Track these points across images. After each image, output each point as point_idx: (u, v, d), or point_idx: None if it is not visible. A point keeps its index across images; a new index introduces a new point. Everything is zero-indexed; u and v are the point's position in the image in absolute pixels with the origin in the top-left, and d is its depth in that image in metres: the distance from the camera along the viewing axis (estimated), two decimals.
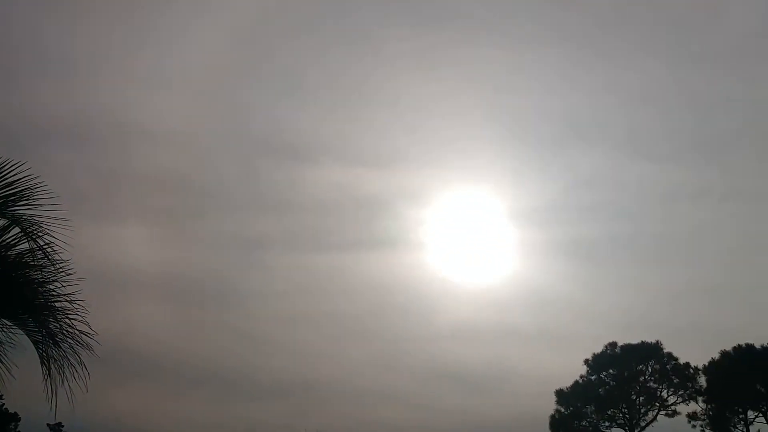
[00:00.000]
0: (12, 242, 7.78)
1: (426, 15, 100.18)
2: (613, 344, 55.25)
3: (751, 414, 51.03)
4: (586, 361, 55.62)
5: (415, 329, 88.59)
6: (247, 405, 76.18)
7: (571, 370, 56.46)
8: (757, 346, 51.45)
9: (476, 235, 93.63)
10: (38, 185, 7.59)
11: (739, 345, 51.80)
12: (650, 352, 54.16)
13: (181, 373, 76.38)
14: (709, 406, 52.11)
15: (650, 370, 54.13)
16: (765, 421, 50.36)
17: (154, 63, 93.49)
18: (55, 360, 7.87)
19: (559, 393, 55.52)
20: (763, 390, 50.60)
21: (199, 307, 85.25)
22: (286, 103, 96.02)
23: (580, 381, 55.41)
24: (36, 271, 7.81)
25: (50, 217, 7.61)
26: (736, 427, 51.15)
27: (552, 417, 54.94)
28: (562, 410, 54.96)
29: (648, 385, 54.10)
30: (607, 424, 54.44)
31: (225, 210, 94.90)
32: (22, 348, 8.07)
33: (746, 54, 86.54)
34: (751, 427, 50.81)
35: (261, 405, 75.92)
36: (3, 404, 40.16)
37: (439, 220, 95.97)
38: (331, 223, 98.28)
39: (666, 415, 53.29)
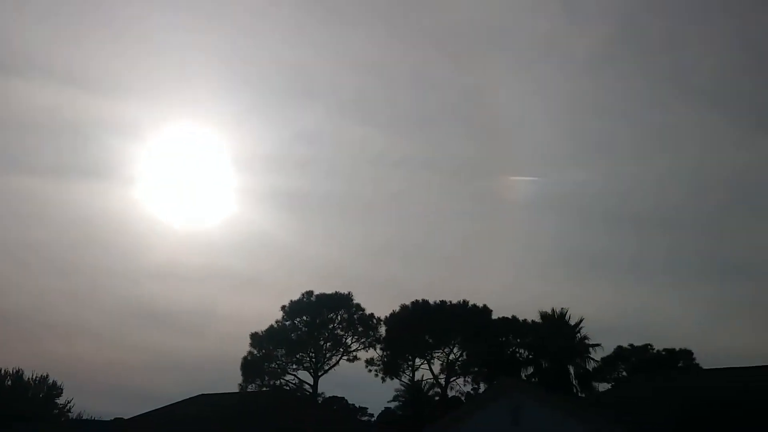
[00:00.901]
0: None
1: None
2: (310, 293, 58.38)
3: (418, 361, 57.58)
4: (283, 308, 58.12)
5: (118, 266, 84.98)
6: None
7: (274, 314, 58.80)
8: (432, 302, 57.93)
9: (195, 176, 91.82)
10: None
11: (416, 300, 57.96)
12: (342, 302, 58.14)
13: None
14: (384, 353, 57.72)
15: (339, 318, 58.15)
16: (428, 368, 57.28)
17: None
18: None
19: (254, 336, 57.29)
20: (431, 341, 57.04)
21: None
22: None
23: (275, 325, 57.71)
24: None
25: None
26: (405, 372, 57.47)
27: (244, 358, 56.54)
28: (255, 352, 56.86)
29: (336, 332, 58.12)
30: (294, 366, 57.51)
31: None
32: None
33: (466, 40, 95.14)
34: (416, 372, 57.46)
35: None
36: None
37: (156, 155, 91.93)
38: (32, 145, 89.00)
39: (348, 360, 57.83)
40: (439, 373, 56.72)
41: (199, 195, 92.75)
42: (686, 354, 59.82)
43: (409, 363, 57.21)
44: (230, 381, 56.60)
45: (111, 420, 45.09)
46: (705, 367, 52.75)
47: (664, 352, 60.59)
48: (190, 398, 43.91)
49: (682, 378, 38.60)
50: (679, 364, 58.85)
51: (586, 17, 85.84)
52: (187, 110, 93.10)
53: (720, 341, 64.07)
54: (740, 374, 28.88)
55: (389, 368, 57.10)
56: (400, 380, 57.01)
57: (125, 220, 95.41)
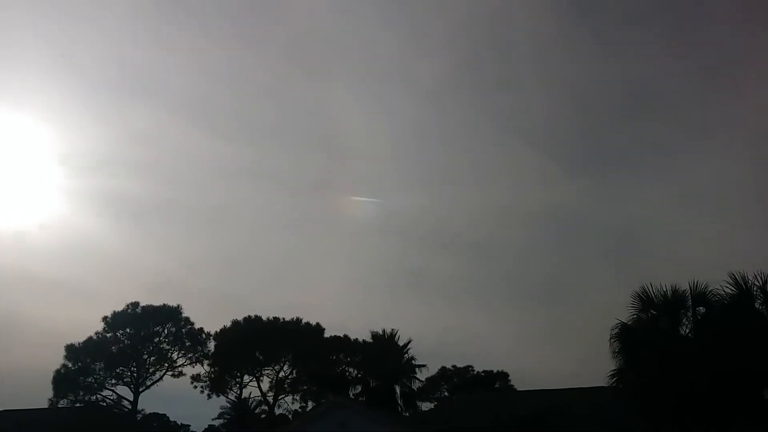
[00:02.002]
0: None
1: None
2: (136, 304, 55.77)
3: (247, 378, 56.64)
4: (105, 319, 55.13)
5: None
6: None
7: (94, 326, 55.47)
8: (265, 318, 57.38)
9: (12, 169, 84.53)
10: None
11: (249, 316, 57.15)
12: (170, 315, 56.02)
13: None
14: (212, 369, 56.26)
15: (166, 332, 56.02)
16: (257, 385, 56.51)
17: None
18: None
19: (70, 348, 53.76)
20: (261, 358, 56.43)
21: None
22: None
23: (95, 337, 54.57)
24: None
25: None
26: (232, 389, 56.29)
27: (57, 372, 52.80)
28: (69, 365, 53.30)
29: (161, 346, 55.85)
30: (113, 381, 54.46)
31: None
32: None
33: (317, 55, 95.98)
34: (244, 390, 56.45)
35: None
36: None
37: None
38: None
39: (172, 375, 55.73)
40: (268, 391, 56.26)
41: (16, 191, 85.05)
42: (503, 376, 63.91)
43: (238, 380, 56.22)
44: (39, 396, 52.67)
45: None
46: (519, 389, 56.72)
47: (483, 374, 64.32)
48: None
49: (497, 398, 41.27)
50: (496, 385, 62.73)
51: (433, 47, 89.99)
52: (7, 97, 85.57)
53: (531, 364, 68.94)
54: (548, 396, 31.48)
55: (216, 385, 55.75)
56: (227, 397, 55.72)
57: None
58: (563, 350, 69.36)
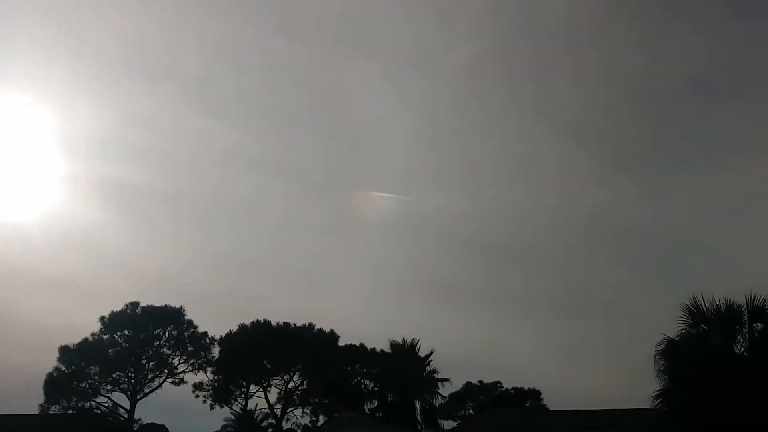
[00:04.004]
0: None
1: None
2: (135, 304, 55.83)
3: (253, 388, 56.45)
4: (102, 319, 55.27)
5: None
6: None
7: (90, 326, 55.63)
8: (274, 323, 57.10)
9: (9, 155, 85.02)
10: None
11: (257, 320, 56.89)
12: (172, 316, 56.01)
13: None
14: (216, 377, 56.17)
15: (167, 335, 56.03)
16: (264, 396, 56.33)
17: None
18: None
19: (64, 349, 53.97)
20: (269, 366, 56.19)
21: None
22: None
23: (90, 339, 54.74)
24: None
25: None
26: (237, 400, 56.18)
27: (49, 375, 53.08)
28: (63, 368, 53.58)
29: (162, 350, 55.91)
30: (109, 387, 54.60)
31: None
32: None
33: (332, 36, 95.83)
34: (250, 401, 56.31)
35: None
36: None
37: None
38: None
39: (173, 383, 55.75)
40: (276, 403, 56.07)
41: (13, 179, 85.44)
42: (535, 394, 63.25)
43: (243, 390, 56.06)
44: (29, 400, 52.99)
45: None
46: (552, 408, 56.00)
47: (512, 391, 63.69)
48: None
49: (527, 418, 40.69)
50: (527, 404, 62.08)
51: (460, 33, 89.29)
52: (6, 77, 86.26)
53: (568, 381, 68.03)
54: (584, 417, 30.96)
55: (220, 394, 55.68)
56: (231, 408, 55.65)
57: None
58: (603, 367, 68.44)
